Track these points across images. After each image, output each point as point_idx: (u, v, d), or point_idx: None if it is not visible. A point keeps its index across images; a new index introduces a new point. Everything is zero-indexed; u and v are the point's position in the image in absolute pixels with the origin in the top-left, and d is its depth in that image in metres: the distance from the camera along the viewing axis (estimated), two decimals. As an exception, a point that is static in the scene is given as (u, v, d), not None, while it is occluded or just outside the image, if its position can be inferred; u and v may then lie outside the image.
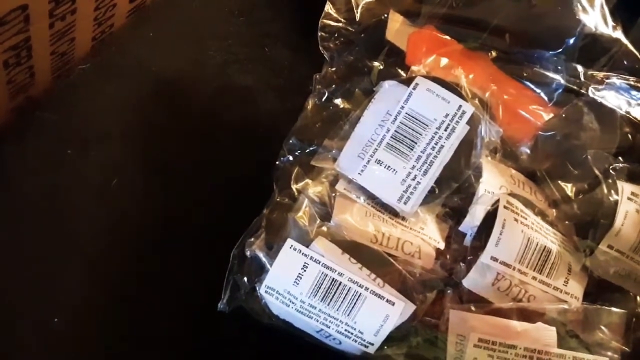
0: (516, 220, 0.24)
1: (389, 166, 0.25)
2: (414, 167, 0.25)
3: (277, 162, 0.25)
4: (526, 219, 0.25)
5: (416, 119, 0.26)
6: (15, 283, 0.24)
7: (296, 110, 0.26)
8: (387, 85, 0.26)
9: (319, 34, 0.27)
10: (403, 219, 0.25)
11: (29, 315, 0.24)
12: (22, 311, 0.24)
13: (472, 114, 0.26)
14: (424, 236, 0.25)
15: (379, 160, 0.25)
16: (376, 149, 0.26)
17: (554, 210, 0.26)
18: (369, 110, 0.26)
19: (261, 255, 0.24)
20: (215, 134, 0.27)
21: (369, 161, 0.25)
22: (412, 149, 0.25)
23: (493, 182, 0.26)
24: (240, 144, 0.26)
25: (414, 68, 0.27)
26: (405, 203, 0.25)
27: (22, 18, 0.24)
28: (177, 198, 0.26)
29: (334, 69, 0.27)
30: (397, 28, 0.29)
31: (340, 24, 0.28)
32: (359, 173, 0.25)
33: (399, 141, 0.26)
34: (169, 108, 0.27)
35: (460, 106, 0.26)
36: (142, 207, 0.25)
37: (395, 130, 0.26)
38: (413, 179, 0.25)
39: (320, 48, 0.27)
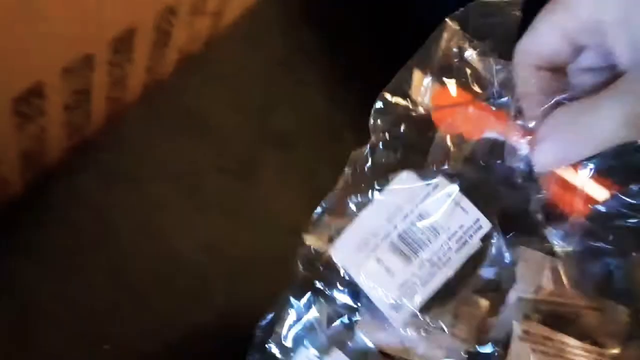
0: (534, 350, 0.22)
1: (388, 268, 0.23)
2: (414, 274, 0.23)
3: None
4: (546, 345, 0.23)
5: (428, 223, 0.24)
6: (68, 314, 0.25)
7: (332, 156, 0.27)
8: (405, 176, 0.24)
9: (376, 105, 0.25)
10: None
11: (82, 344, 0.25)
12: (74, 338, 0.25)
13: (488, 231, 0.23)
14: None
15: (379, 258, 0.23)
16: (378, 245, 0.23)
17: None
18: (380, 199, 0.24)
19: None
20: (256, 175, 0.29)
21: (368, 257, 0.23)
22: (416, 254, 0.23)
23: (526, 287, 0.24)
24: (280, 187, 0.27)
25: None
26: (397, 311, 0.23)
27: (87, 66, 0.26)
28: (221, 232, 0.28)
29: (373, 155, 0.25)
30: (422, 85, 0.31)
31: (403, 105, 0.26)
32: (354, 268, 0.23)
33: (404, 242, 0.24)
34: (211, 149, 0.29)
35: (478, 220, 0.24)
36: (189, 244, 0.26)
37: (404, 230, 0.23)
38: (410, 287, 0.23)
39: (370, 121, 0.25)
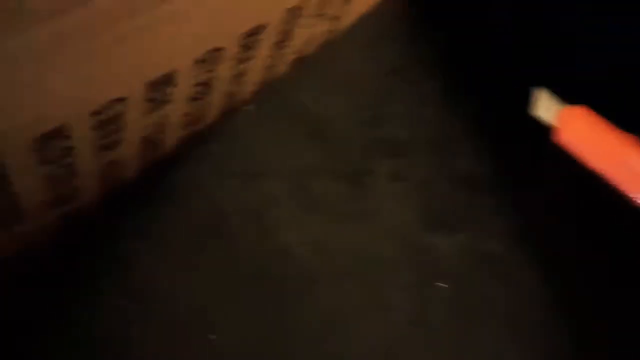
0: None
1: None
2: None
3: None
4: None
5: None
6: (178, 301, 0.26)
7: (444, 168, 0.27)
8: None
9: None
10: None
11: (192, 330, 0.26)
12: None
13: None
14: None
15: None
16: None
17: None
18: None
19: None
20: (367, 181, 0.29)
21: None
22: None
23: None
24: (390, 196, 0.27)
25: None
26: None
27: (217, 58, 0.27)
28: (330, 233, 0.28)
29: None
30: (545, 103, 0.30)
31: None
32: None
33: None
34: (322, 152, 0.29)
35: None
36: (298, 241, 0.27)
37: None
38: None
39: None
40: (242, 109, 0.32)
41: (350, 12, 0.34)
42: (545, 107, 0.29)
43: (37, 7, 0.16)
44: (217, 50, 0.25)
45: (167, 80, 0.25)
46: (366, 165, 0.28)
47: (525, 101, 0.28)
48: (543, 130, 0.28)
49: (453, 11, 0.33)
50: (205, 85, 0.29)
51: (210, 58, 0.26)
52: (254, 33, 0.26)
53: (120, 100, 0.24)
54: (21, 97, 0.19)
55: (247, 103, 0.33)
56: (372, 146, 0.29)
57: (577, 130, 0.28)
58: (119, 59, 0.20)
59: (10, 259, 0.29)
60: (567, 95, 0.28)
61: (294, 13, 0.27)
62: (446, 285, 0.25)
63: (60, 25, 0.17)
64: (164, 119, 0.29)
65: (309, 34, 0.32)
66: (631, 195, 0.26)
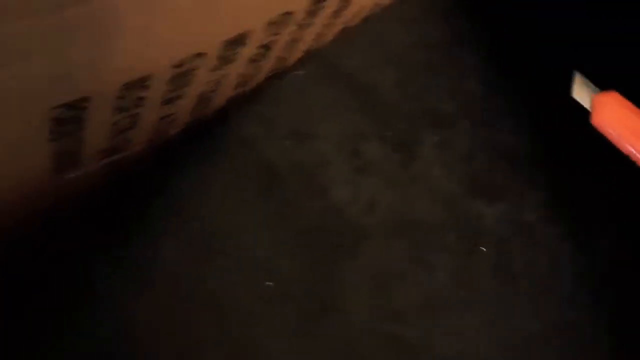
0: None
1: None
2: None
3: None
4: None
5: None
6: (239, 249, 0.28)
7: (487, 140, 0.29)
8: None
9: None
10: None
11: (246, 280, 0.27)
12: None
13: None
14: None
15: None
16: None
17: None
18: None
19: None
20: (414, 149, 0.30)
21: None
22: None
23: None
24: (437, 163, 0.29)
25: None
26: None
27: (285, 22, 0.28)
28: (381, 195, 0.29)
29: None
30: (582, 88, 0.32)
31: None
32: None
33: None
34: (371, 119, 0.30)
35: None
36: (351, 202, 0.28)
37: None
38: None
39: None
40: (291, 74, 0.33)
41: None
42: (582, 91, 0.31)
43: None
44: (289, 13, 0.26)
45: (240, 39, 0.26)
46: (413, 134, 0.30)
47: (566, 82, 0.29)
48: (581, 112, 0.29)
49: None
50: (266, 48, 0.30)
51: (280, 21, 0.27)
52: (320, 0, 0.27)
53: (200, 55, 0.25)
54: (124, 43, 0.20)
55: (291, 69, 0.34)
56: (418, 116, 0.30)
57: (609, 114, 0.30)
58: (211, 11, 0.21)
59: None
60: (606, 82, 0.30)
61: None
62: (485, 249, 0.27)
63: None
64: (223, 77, 0.30)
65: (360, 5, 0.33)
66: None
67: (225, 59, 0.27)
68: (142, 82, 0.24)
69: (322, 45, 0.35)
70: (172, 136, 0.33)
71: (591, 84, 0.31)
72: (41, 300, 0.26)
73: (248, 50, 0.28)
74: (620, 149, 0.28)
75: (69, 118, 0.24)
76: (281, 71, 0.35)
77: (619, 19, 0.31)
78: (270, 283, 0.26)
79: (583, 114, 0.29)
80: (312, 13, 0.28)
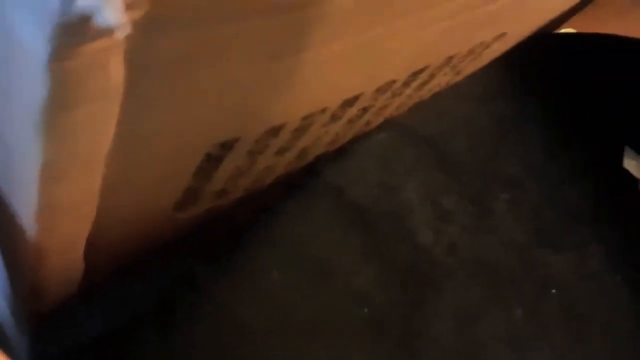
0: None
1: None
2: None
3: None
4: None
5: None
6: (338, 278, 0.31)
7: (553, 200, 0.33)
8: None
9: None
10: None
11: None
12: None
13: None
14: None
15: None
16: None
17: None
18: None
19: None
20: (490, 206, 0.34)
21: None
22: None
23: None
24: (511, 220, 0.32)
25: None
26: None
27: (387, 89, 0.32)
28: (462, 239, 0.33)
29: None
30: (631, 159, 0.36)
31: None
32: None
33: None
34: (447, 175, 0.34)
35: None
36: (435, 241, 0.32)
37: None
38: None
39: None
40: (373, 137, 0.37)
41: (467, 69, 0.41)
42: (632, 162, 0.36)
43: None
44: (392, 82, 0.31)
45: (354, 100, 0.30)
46: (486, 190, 0.34)
47: (619, 155, 0.34)
48: (632, 180, 0.34)
49: (551, 77, 0.40)
50: (363, 111, 0.35)
51: (384, 88, 0.32)
52: (419, 72, 0.32)
53: (323, 110, 0.29)
54: (287, 96, 0.24)
55: (371, 133, 0.39)
56: (491, 176, 0.35)
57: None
58: (353, 72, 0.26)
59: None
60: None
61: (448, 61, 0.33)
62: (554, 291, 0.30)
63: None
64: (325, 134, 0.34)
65: (438, 82, 0.38)
66: None
67: (335, 117, 0.31)
68: (277, 130, 0.28)
69: (400, 113, 0.40)
70: (265, 187, 0.36)
71: (638, 156, 0.36)
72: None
73: (351, 111, 0.32)
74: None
75: (216, 156, 0.27)
76: (362, 134, 0.39)
77: None
78: (366, 310, 0.29)
79: (633, 181, 0.34)
80: (406, 83, 0.33)
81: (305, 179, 0.35)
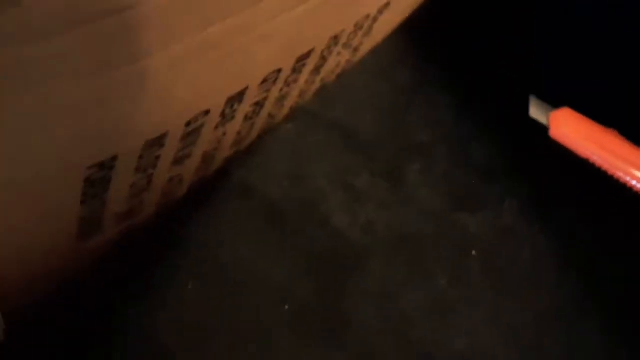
0: None
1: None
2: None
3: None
4: None
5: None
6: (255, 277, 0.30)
7: (462, 162, 0.32)
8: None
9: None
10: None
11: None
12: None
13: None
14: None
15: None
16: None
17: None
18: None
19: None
20: (402, 176, 0.33)
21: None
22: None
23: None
24: (422, 186, 0.32)
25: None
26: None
27: (275, 79, 0.31)
28: (377, 218, 0.32)
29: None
30: (538, 108, 0.36)
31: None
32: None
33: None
34: (360, 155, 0.34)
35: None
36: (350, 226, 0.31)
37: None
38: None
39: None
40: (281, 128, 0.37)
41: (365, 45, 0.40)
42: (539, 111, 0.36)
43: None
44: (278, 71, 0.30)
45: (240, 96, 0.29)
46: (397, 163, 0.34)
47: (525, 106, 0.34)
48: (540, 129, 0.34)
49: (451, 41, 0.40)
50: (258, 106, 0.34)
51: (271, 78, 0.31)
52: (305, 57, 0.31)
53: (206, 112, 0.28)
54: (149, 103, 0.24)
55: (280, 125, 0.38)
56: (399, 148, 0.34)
57: (566, 127, 0.34)
58: (220, 69, 0.25)
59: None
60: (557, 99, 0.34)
61: (334, 41, 0.33)
62: (474, 253, 0.30)
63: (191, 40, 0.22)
64: (223, 136, 0.33)
65: (336, 62, 0.37)
66: (616, 175, 0.33)
67: (225, 117, 0.30)
68: (160, 141, 0.27)
69: (305, 101, 0.39)
70: (179, 198, 0.36)
71: (546, 104, 0.36)
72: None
73: (244, 107, 0.32)
74: (578, 153, 0.33)
75: (99, 179, 0.26)
76: (272, 127, 0.39)
77: (565, 46, 0.37)
78: (287, 306, 0.29)
79: (542, 130, 0.34)
80: (296, 70, 0.32)
81: (216, 182, 0.34)
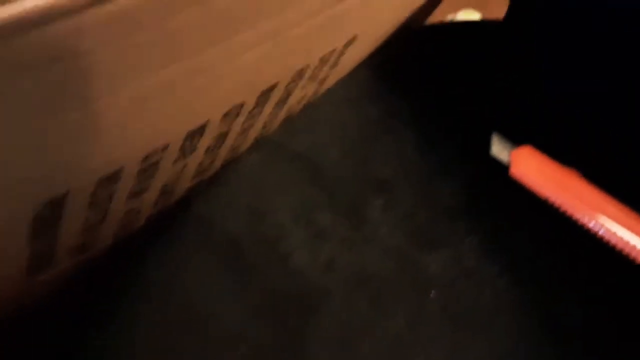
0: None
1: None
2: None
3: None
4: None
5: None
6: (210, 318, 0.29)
7: (425, 198, 0.32)
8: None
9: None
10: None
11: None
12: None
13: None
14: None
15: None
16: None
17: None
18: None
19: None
20: (362, 213, 0.33)
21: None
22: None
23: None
24: (384, 223, 0.32)
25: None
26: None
27: (236, 112, 0.31)
28: (339, 255, 0.32)
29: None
30: (500, 146, 0.36)
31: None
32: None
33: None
34: (322, 190, 0.33)
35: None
36: (310, 264, 0.31)
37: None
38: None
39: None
40: (244, 159, 0.36)
41: (332, 76, 0.40)
42: (501, 148, 0.36)
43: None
44: (241, 105, 0.30)
45: (200, 130, 0.29)
46: (360, 199, 0.33)
47: (487, 143, 0.34)
48: (502, 167, 0.34)
49: (419, 74, 0.40)
50: (220, 138, 0.34)
51: (233, 111, 0.30)
52: (269, 90, 0.31)
53: (165, 147, 0.28)
54: (102, 140, 0.23)
55: (244, 155, 0.38)
56: (362, 183, 0.34)
57: (527, 165, 0.35)
58: (178, 105, 0.24)
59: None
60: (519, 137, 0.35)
61: (299, 74, 0.32)
62: (433, 293, 0.30)
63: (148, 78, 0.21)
64: (184, 168, 0.33)
65: (302, 94, 0.37)
66: (574, 216, 0.33)
67: (185, 150, 0.30)
68: (114, 176, 0.26)
69: (270, 131, 0.39)
70: (137, 230, 0.35)
71: (508, 141, 0.36)
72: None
73: (205, 140, 0.31)
74: (537, 193, 0.33)
75: (49, 216, 0.25)
76: (236, 156, 0.38)
77: (529, 85, 0.37)
78: (240, 351, 0.28)
79: (503, 168, 0.34)
80: (258, 103, 0.32)
81: (176, 212, 0.34)
